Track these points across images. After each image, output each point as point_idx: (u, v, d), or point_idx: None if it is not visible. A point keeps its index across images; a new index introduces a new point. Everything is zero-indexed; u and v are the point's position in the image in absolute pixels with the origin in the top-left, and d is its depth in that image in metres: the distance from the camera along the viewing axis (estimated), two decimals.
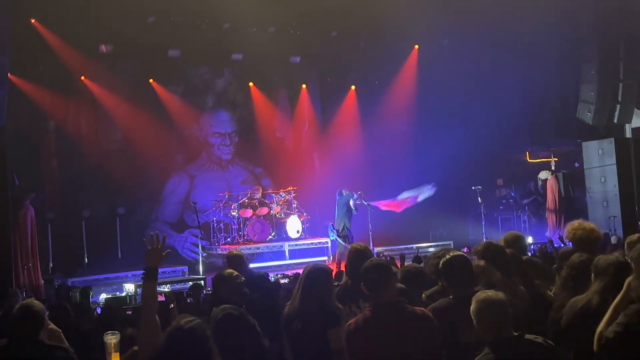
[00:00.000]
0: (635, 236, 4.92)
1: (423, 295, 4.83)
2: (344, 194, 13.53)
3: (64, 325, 5.00)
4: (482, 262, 4.45)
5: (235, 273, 5.01)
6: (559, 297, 4.30)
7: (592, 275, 3.98)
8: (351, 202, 13.24)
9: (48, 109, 14.64)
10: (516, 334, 3.47)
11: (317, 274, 4.56)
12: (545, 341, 3.47)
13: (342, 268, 10.12)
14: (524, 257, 5.22)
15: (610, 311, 3.54)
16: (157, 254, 3.79)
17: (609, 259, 3.98)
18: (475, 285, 4.23)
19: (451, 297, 4.21)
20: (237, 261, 6.10)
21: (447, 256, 4.35)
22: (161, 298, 7.83)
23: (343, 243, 12.93)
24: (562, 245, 8.32)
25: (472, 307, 3.52)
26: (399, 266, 6.52)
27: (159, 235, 3.91)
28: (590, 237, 4.92)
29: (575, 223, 5.11)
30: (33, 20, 13.72)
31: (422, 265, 5.74)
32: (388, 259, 8.64)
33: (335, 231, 13.38)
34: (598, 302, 3.82)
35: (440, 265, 4.32)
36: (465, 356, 3.73)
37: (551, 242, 10.00)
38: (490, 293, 3.53)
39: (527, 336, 3.47)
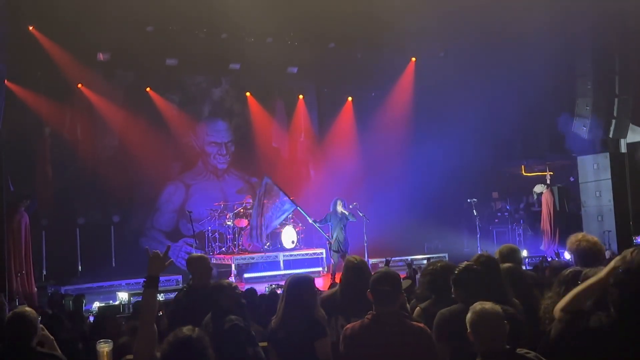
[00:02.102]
0: (629, 250, 4.90)
1: (418, 307, 4.83)
2: (338, 204, 13.40)
3: (57, 333, 4.96)
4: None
5: (234, 284, 5.02)
6: (549, 310, 4.27)
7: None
8: (339, 209, 13.10)
9: (44, 115, 14.61)
10: (508, 347, 3.45)
11: (298, 284, 4.55)
12: (537, 357, 3.43)
13: (337, 280, 10.05)
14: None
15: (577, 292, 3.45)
16: (160, 263, 3.78)
17: (596, 273, 3.95)
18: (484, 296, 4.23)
19: (462, 304, 4.19)
20: (201, 264, 5.70)
21: (461, 266, 4.37)
22: None
23: (337, 254, 12.88)
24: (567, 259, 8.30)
25: (467, 317, 3.51)
26: (403, 276, 6.50)
27: (165, 247, 3.93)
28: (593, 250, 4.87)
29: (579, 235, 5.06)
30: (31, 27, 13.74)
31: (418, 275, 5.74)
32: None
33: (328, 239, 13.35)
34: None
35: (455, 275, 4.31)
36: None
37: (557, 254, 9.95)
38: (487, 305, 3.53)
39: (519, 350, 3.45)
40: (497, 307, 3.52)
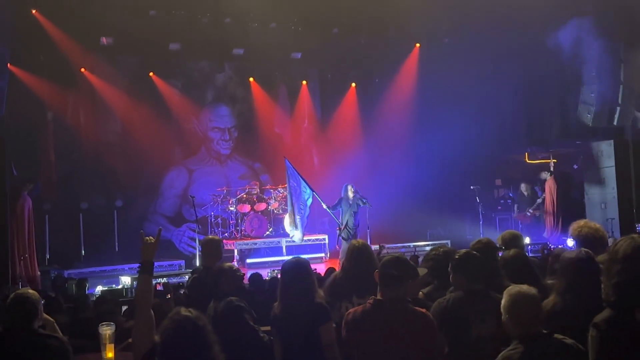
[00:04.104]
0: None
1: (420, 293, 4.83)
2: (349, 189, 13.11)
3: (57, 316, 4.98)
4: None
5: (235, 267, 5.05)
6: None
7: (557, 274, 3.93)
8: (350, 194, 12.88)
9: (47, 100, 14.60)
10: (545, 331, 3.42)
11: (294, 270, 4.54)
12: (575, 344, 3.37)
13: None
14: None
15: None
16: (152, 247, 3.79)
17: (569, 257, 3.92)
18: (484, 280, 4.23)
19: (461, 291, 4.19)
20: (213, 246, 5.96)
21: (461, 252, 4.36)
22: (159, 287, 7.84)
23: (346, 242, 12.68)
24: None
25: (504, 301, 3.47)
26: None
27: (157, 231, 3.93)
28: (595, 236, 4.87)
29: (582, 222, 5.07)
30: (34, 11, 13.70)
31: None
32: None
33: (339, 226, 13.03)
34: (561, 305, 3.78)
35: (455, 260, 4.31)
36: (476, 350, 3.70)
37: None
38: (523, 288, 3.50)
39: (557, 336, 3.41)
40: (534, 290, 3.48)
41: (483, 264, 4.26)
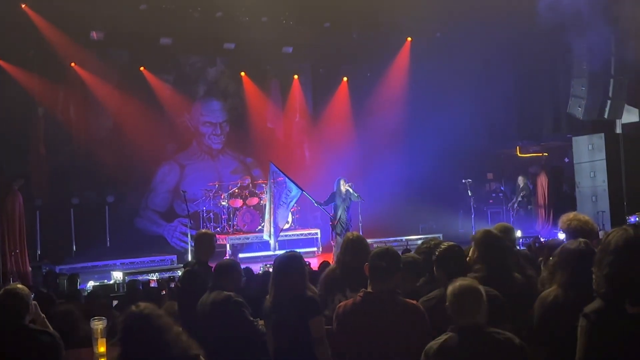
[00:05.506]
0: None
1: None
2: (341, 183, 13.05)
3: (48, 312, 4.96)
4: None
5: (238, 263, 5.09)
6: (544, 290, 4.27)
7: (557, 265, 3.94)
8: (343, 188, 12.81)
9: (37, 95, 14.51)
10: (480, 324, 3.41)
11: (286, 263, 4.53)
12: (510, 338, 3.37)
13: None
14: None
15: None
16: None
17: (570, 248, 3.90)
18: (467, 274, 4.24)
19: (442, 288, 4.19)
20: (207, 240, 5.99)
21: (442, 246, 4.35)
22: (153, 284, 7.84)
23: (340, 237, 12.59)
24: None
25: (447, 290, 3.50)
26: None
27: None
28: (585, 229, 4.87)
29: (571, 214, 5.06)
30: (23, 6, 13.61)
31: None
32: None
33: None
34: (563, 296, 3.76)
35: (435, 255, 4.30)
36: None
37: None
38: (467, 280, 3.53)
39: (492, 329, 3.41)
40: (476, 284, 3.49)
41: (463, 259, 4.27)
